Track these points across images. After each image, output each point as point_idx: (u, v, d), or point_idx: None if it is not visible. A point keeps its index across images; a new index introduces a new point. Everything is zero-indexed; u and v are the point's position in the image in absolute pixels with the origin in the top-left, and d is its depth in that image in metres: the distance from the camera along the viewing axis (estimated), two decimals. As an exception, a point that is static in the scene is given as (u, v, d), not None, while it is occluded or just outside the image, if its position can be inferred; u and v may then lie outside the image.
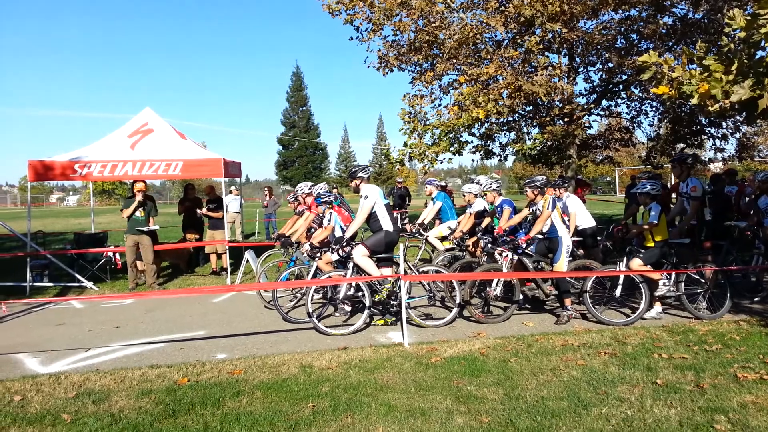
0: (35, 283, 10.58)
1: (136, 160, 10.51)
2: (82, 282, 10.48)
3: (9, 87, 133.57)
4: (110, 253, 11.62)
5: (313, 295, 7.24)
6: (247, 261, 10.08)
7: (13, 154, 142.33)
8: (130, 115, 12.06)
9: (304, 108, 70.53)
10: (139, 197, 10.30)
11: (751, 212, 9.31)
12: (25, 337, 7.17)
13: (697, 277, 7.45)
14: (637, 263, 7.22)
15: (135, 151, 10.89)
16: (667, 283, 7.36)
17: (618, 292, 7.41)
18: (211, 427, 4.27)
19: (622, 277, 7.38)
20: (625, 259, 7.39)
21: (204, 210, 12.26)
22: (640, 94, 16.33)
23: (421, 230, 10.24)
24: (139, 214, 10.26)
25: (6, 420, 4.48)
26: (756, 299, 8.15)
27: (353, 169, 7.59)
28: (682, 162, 8.36)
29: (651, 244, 7.33)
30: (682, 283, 7.35)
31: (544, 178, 7.85)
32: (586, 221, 9.06)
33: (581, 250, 8.72)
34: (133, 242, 10.24)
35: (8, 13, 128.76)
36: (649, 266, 7.24)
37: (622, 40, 15.28)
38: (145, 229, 10.45)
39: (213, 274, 11.98)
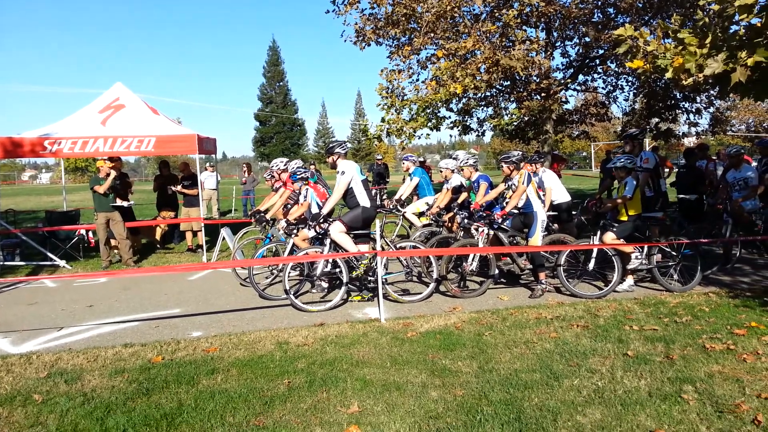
0: (6, 263, 10.40)
1: (107, 136, 10.29)
2: (55, 261, 10.32)
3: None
4: (83, 231, 11.43)
5: (289, 272, 7.21)
6: (224, 238, 10.00)
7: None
8: (101, 90, 11.77)
9: (281, 83, 69.71)
10: (113, 173, 10.16)
11: (720, 186, 9.47)
12: (-5, 318, 7.06)
13: (668, 250, 7.57)
14: (610, 237, 7.30)
15: (106, 127, 10.66)
16: (639, 257, 7.47)
17: (591, 265, 7.50)
18: (185, 405, 4.25)
19: (595, 250, 7.47)
20: (598, 232, 7.46)
21: (178, 187, 12.08)
22: (617, 69, 16.40)
23: (398, 206, 10.23)
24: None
25: (-25, 401, 4.42)
26: (713, 270, 8.30)
27: (330, 145, 7.52)
28: (633, 138, 8.46)
29: (625, 218, 7.41)
30: (654, 256, 7.47)
31: (520, 153, 7.87)
32: (562, 196, 9.13)
33: (556, 225, 8.79)
34: (105, 219, 10.10)
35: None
36: (622, 240, 7.33)
37: (599, 14, 15.27)
38: (125, 204, 10.36)
39: (189, 251, 11.86)
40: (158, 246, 12.23)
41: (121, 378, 4.81)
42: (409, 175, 10.70)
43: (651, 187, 8.36)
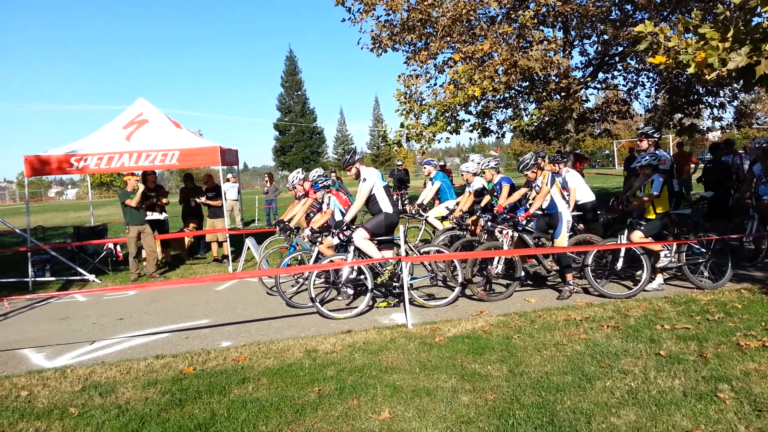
0: (37, 278, 10.58)
1: (132, 151, 10.46)
2: (84, 275, 10.48)
3: (3, 82, 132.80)
4: (111, 245, 11.61)
5: (315, 280, 7.25)
6: (248, 248, 10.08)
7: (10, 150, 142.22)
8: (124, 106, 12.01)
9: (299, 92, 70.17)
10: (141, 186, 10.37)
11: (746, 179, 9.29)
12: (29, 333, 7.20)
13: (698, 247, 7.44)
14: (638, 235, 7.20)
15: (131, 142, 10.84)
16: (668, 254, 7.36)
17: (619, 265, 7.40)
18: (218, 415, 4.29)
19: (623, 249, 7.37)
20: (626, 231, 7.37)
21: (203, 199, 12.23)
22: (637, 66, 16.22)
23: (420, 211, 10.22)
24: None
25: (14, 415, 4.50)
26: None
27: (345, 158, 7.52)
28: (648, 136, 8.32)
29: (652, 216, 7.30)
30: (684, 254, 7.35)
31: (532, 153, 7.77)
32: (586, 196, 9.03)
33: (581, 225, 8.70)
34: (136, 232, 10.26)
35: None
36: (650, 238, 7.22)
37: (617, 11, 15.13)
38: (162, 217, 10.69)
39: (215, 262, 12.00)
40: (185, 258, 12.37)
41: (154, 389, 4.87)
42: (431, 179, 10.69)
43: None
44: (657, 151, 8.12)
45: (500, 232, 7.59)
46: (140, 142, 10.80)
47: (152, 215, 10.83)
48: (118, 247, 11.81)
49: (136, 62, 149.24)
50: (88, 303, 8.93)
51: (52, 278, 10.77)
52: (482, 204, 8.96)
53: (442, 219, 9.94)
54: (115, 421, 4.29)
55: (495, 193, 8.84)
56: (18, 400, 4.83)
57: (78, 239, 11.70)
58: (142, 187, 10.41)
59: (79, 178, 67.00)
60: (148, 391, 4.84)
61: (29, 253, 10.58)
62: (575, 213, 8.59)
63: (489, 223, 7.80)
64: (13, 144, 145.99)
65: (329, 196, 8.38)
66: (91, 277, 10.52)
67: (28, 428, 4.29)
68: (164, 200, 11.89)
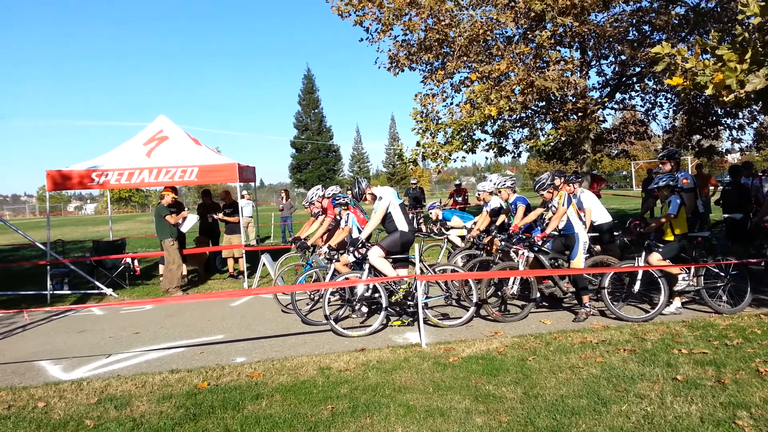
0: (56, 291, 10.72)
1: (152, 167, 10.62)
2: (102, 289, 10.60)
3: (26, 98, 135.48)
4: (129, 260, 11.74)
5: (330, 298, 7.26)
6: (264, 264, 10.13)
7: (31, 165, 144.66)
8: (144, 123, 12.19)
9: (316, 110, 70.60)
10: (185, 212, 10.80)
11: (764, 203, 9.19)
12: (47, 345, 7.28)
13: (717, 270, 7.35)
14: (656, 258, 7.13)
15: (151, 158, 11.01)
16: (686, 278, 7.27)
17: (637, 287, 7.32)
18: (232, 431, 4.30)
19: (640, 272, 7.30)
20: (643, 253, 7.30)
21: (220, 215, 12.35)
22: (655, 86, 16.20)
23: (443, 229, 10.21)
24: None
25: (30, 426, 4.55)
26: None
27: (355, 191, 7.61)
28: (670, 158, 8.26)
29: (670, 238, 7.23)
30: (702, 277, 7.26)
31: (549, 173, 7.75)
32: (602, 217, 8.98)
33: (598, 246, 8.64)
34: (175, 243, 10.44)
35: (19, 23, 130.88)
36: (668, 260, 7.15)
37: (635, 32, 15.17)
38: (196, 219, 11.44)
39: (230, 277, 12.07)
40: (202, 274, 12.46)
41: (169, 403, 4.90)
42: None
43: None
44: (678, 172, 8.07)
45: (515, 253, 7.56)
46: (160, 158, 10.96)
47: (187, 221, 11.14)
48: (136, 262, 11.93)
49: (156, 79, 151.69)
50: (105, 316, 9.02)
51: (70, 291, 10.90)
52: (498, 223, 8.93)
53: (462, 238, 9.94)
54: (130, 435, 4.31)
55: (510, 213, 8.82)
56: (35, 411, 4.88)
57: (97, 253, 11.85)
58: (185, 212, 10.79)
59: (98, 193, 67.97)
60: (163, 405, 4.86)
61: (48, 267, 10.73)
62: (591, 234, 8.53)
63: (504, 243, 7.78)
64: (34, 159, 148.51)
65: (347, 213, 8.41)
66: (109, 291, 10.63)
67: (44, 440, 4.33)
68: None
